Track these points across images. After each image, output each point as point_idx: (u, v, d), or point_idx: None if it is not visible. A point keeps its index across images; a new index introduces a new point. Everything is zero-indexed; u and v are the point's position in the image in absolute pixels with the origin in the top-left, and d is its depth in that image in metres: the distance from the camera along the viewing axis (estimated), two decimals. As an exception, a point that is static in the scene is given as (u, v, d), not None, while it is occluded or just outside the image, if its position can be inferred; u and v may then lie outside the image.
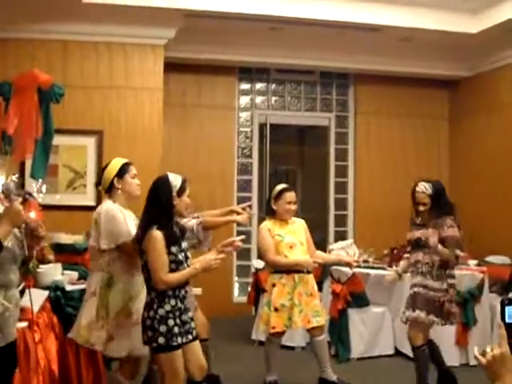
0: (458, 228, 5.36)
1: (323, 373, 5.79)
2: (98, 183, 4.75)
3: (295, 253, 5.68)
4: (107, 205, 4.47)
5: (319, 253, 6.05)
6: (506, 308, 1.92)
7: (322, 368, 5.79)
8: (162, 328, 3.93)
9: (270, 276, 5.80)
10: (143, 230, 4.02)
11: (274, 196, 5.81)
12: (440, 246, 5.27)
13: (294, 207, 5.76)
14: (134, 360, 4.55)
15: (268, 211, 5.89)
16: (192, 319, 4.15)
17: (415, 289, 5.47)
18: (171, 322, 3.95)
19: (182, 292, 4.07)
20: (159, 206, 4.05)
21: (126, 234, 4.31)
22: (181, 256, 4.04)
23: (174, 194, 4.10)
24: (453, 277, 5.38)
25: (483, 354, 1.95)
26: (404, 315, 5.53)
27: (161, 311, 3.94)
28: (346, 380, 5.81)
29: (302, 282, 5.66)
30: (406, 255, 5.85)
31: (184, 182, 4.19)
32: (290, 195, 5.77)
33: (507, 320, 1.92)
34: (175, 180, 4.14)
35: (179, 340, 3.97)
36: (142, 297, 4.18)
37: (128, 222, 4.41)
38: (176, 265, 4.00)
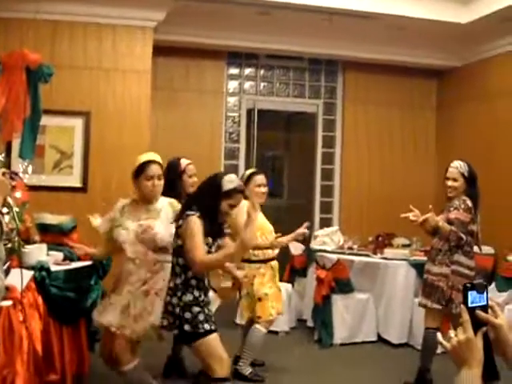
0: (469, 219, 5.28)
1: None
2: None
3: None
4: None
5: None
6: (469, 293, 1.93)
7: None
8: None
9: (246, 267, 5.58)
10: (182, 214, 4.03)
11: (243, 181, 5.74)
12: (442, 222, 5.19)
13: (264, 189, 5.63)
14: None
15: None
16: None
17: (424, 275, 5.52)
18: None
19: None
20: (204, 204, 4.00)
21: None
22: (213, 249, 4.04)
23: (224, 196, 4.00)
24: (458, 263, 5.29)
25: (448, 339, 1.96)
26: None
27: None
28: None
29: (275, 269, 5.68)
30: None
31: (239, 189, 4.10)
32: (260, 178, 5.65)
33: (469, 305, 1.92)
34: (228, 184, 4.03)
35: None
36: None
37: None
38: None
